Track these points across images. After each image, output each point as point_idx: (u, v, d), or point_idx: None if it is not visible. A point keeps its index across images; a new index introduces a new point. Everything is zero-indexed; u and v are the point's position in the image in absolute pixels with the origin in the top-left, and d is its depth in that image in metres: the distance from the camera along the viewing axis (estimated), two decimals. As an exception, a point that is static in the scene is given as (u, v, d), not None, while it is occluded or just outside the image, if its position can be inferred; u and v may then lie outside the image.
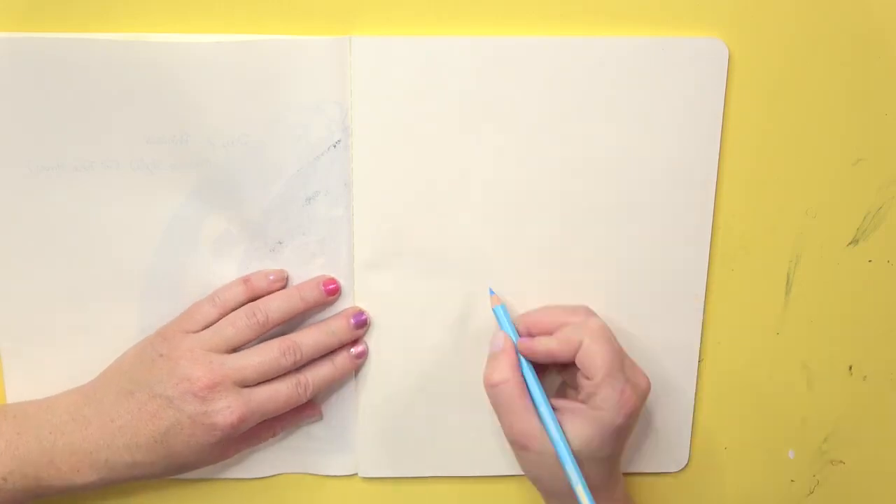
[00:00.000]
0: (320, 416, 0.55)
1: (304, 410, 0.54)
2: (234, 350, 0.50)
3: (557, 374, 0.53)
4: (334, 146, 0.50)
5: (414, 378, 0.55)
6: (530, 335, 0.51)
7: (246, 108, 0.49)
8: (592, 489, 0.47)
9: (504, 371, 0.49)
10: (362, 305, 0.53)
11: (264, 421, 0.51)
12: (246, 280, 0.51)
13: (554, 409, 0.49)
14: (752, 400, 0.57)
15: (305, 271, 0.52)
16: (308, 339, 0.51)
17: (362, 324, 0.53)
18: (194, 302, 0.51)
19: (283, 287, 0.52)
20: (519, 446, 0.49)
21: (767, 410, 0.57)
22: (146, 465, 0.49)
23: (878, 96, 0.52)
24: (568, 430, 0.48)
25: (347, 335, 0.52)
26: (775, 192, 0.53)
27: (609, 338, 0.49)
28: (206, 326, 0.50)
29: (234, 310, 0.51)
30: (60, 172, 0.50)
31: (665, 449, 0.57)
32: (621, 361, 0.48)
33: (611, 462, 0.49)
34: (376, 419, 0.55)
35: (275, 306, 0.51)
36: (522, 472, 0.51)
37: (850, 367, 0.57)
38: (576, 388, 0.49)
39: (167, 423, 0.48)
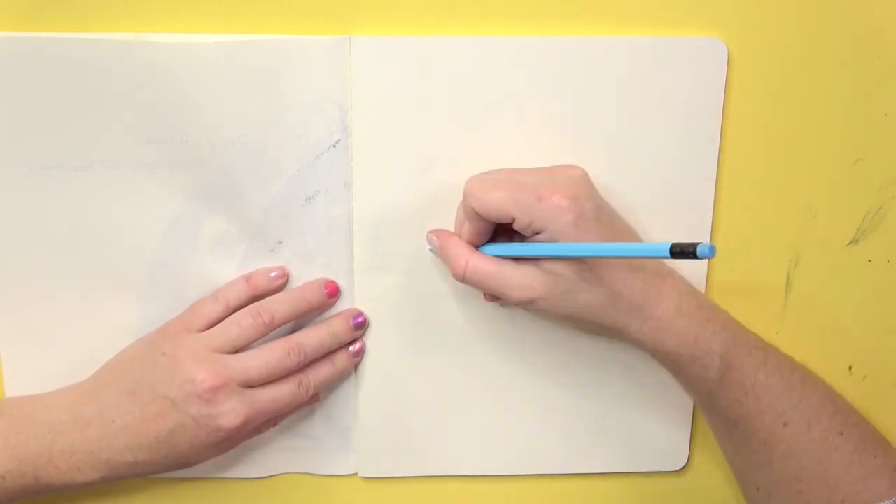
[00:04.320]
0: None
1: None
2: (238, 350, 0.49)
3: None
4: (334, 146, 0.50)
5: (414, 378, 0.55)
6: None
7: (246, 108, 0.49)
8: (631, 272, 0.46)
9: (459, 256, 0.48)
10: (362, 305, 0.53)
11: None
12: (248, 278, 0.51)
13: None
14: (752, 400, 0.57)
15: (305, 271, 0.53)
16: (311, 339, 0.51)
17: (361, 325, 0.53)
18: (197, 300, 0.51)
19: (285, 283, 0.52)
20: (530, 302, 0.47)
21: (767, 410, 0.57)
22: (148, 464, 0.48)
23: (878, 96, 0.52)
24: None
25: (347, 336, 0.52)
26: (775, 192, 0.53)
27: (489, 181, 0.47)
28: (210, 324, 0.50)
29: (237, 308, 0.51)
30: (60, 172, 0.50)
31: (665, 448, 0.57)
32: (516, 184, 0.46)
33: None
34: (376, 419, 0.55)
35: (280, 307, 0.51)
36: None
37: (850, 367, 0.57)
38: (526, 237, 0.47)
39: (171, 425, 0.47)
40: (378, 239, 0.52)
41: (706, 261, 0.53)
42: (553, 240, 0.45)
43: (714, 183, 0.52)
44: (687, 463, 0.58)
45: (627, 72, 0.50)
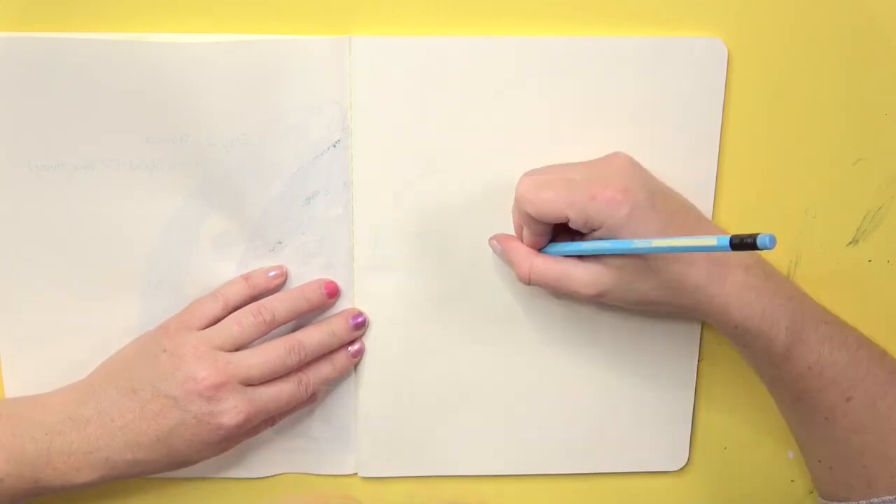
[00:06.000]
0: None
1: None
2: (238, 348, 0.49)
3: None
4: (334, 146, 0.50)
5: (414, 378, 0.55)
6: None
7: (246, 108, 0.49)
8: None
9: (522, 261, 0.48)
10: (362, 305, 0.53)
11: None
12: (247, 277, 0.51)
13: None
14: (752, 400, 0.57)
15: (305, 271, 0.53)
16: (312, 338, 0.51)
17: (361, 325, 0.53)
18: (196, 298, 0.51)
19: (284, 282, 0.52)
20: (598, 296, 0.47)
21: (767, 410, 0.57)
22: (147, 463, 0.48)
23: (878, 96, 0.52)
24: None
25: (347, 336, 0.52)
26: (775, 192, 0.53)
27: (538, 183, 0.47)
28: (209, 323, 0.50)
29: (235, 307, 0.51)
30: (60, 172, 0.50)
31: (665, 448, 0.57)
32: (567, 183, 0.46)
33: (675, 228, 0.46)
34: (376, 419, 0.55)
35: (280, 306, 0.51)
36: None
37: (850, 367, 0.57)
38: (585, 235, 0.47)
39: (171, 423, 0.47)
40: (378, 239, 0.52)
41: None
42: (611, 235, 0.45)
43: (714, 183, 0.52)
44: (687, 463, 0.58)
45: (627, 72, 0.50)
